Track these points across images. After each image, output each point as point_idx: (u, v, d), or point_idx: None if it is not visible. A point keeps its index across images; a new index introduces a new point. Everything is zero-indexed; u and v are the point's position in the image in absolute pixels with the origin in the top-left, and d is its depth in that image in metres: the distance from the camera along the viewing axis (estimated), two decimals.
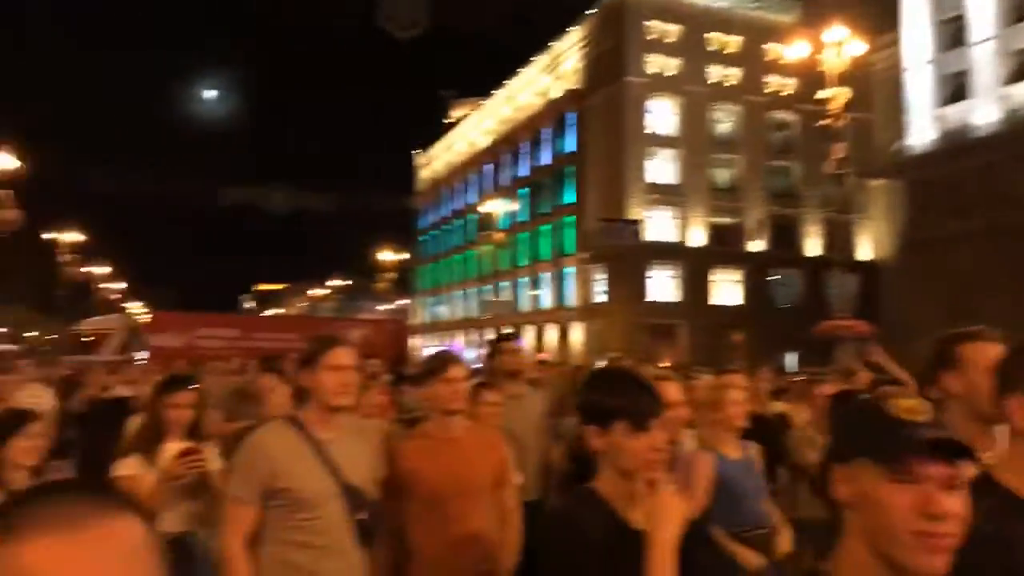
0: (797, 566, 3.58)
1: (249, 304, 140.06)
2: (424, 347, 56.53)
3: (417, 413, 4.55)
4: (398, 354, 24.52)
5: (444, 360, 3.39)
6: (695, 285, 43.45)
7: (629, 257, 41.51)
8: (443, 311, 65.84)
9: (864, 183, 41.42)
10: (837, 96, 19.86)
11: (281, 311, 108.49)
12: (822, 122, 21.04)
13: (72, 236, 46.31)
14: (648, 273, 43.05)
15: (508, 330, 10.69)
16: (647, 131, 43.83)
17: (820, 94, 20.41)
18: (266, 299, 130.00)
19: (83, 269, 52.68)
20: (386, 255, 56.22)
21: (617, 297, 42.54)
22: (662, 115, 44.68)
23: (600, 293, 44.26)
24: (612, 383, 2.20)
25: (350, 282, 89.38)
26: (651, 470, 2.03)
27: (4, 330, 42.13)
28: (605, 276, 43.88)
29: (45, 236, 46.21)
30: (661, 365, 29.42)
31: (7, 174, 29.13)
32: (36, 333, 56.96)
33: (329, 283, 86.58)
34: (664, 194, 43.86)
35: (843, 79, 20.05)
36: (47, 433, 5.56)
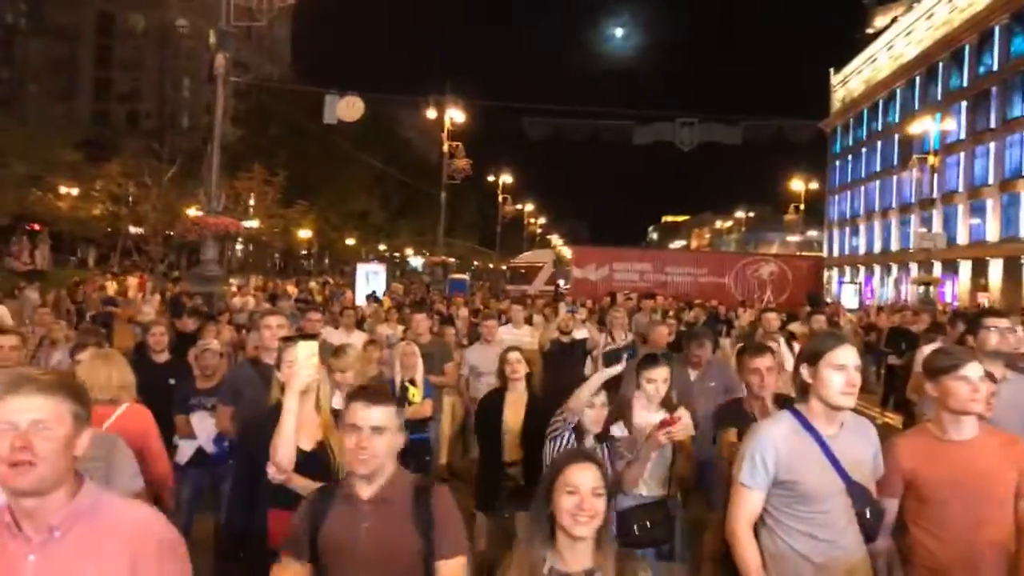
0: None
1: (654, 235, 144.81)
2: (838, 281, 53.00)
3: None
4: (813, 292, 23.44)
5: (959, 355, 3.18)
6: None
7: None
8: (858, 243, 60.67)
9: None
10: None
11: (683, 243, 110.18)
12: None
13: (506, 178, 52.32)
14: None
15: (986, 299, 9.45)
16: None
17: None
18: (670, 231, 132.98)
19: (515, 207, 59.35)
20: (795, 184, 53.47)
21: None
22: None
23: None
24: None
25: (752, 214, 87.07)
26: None
27: (454, 260, 49.31)
28: None
29: (487, 179, 52.92)
30: None
31: (458, 127, 33.81)
32: (477, 263, 66.08)
33: (735, 213, 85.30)
34: None
35: None
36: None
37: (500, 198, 52.81)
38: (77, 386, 1.91)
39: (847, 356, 2.92)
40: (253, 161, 41.61)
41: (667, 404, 4.16)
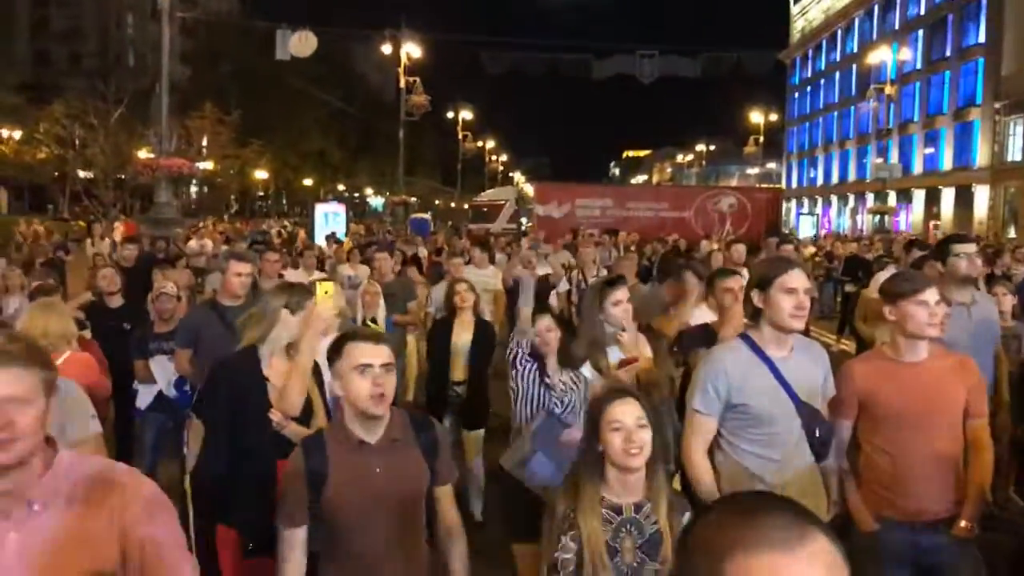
0: None
1: (615, 170, 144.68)
2: (797, 213, 53.69)
3: None
4: (771, 224, 23.71)
5: (918, 280, 3.23)
6: None
7: None
8: (817, 174, 61.31)
9: None
10: None
11: (645, 178, 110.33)
12: None
13: (466, 115, 51.52)
14: None
15: (941, 230, 9.62)
16: None
17: None
18: (632, 166, 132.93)
19: (476, 144, 58.61)
20: (755, 116, 53.54)
21: None
22: None
23: (1017, 150, 37.34)
24: None
25: (714, 147, 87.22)
26: None
27: (415, 200, 48.76)
28: None
29: (446, 116, 52.02)
30: None
31: (415, 63, 33.04)
32: (439, 202, 65.49)
33: (695, 147, 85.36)
34: None
35: None
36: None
37: (460, 135, 52.10)
38: (43, 351, 1.82)
39: (797, 280, 2.95)
40: (204, 101, 40.36)
41: (645, 328, 4.21)
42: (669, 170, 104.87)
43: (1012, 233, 33.65)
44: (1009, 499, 4.20)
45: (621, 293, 4.11)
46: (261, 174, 48.30)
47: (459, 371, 5.31)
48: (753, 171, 67.09)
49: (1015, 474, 3.97)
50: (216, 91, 43.62)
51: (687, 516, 2.41)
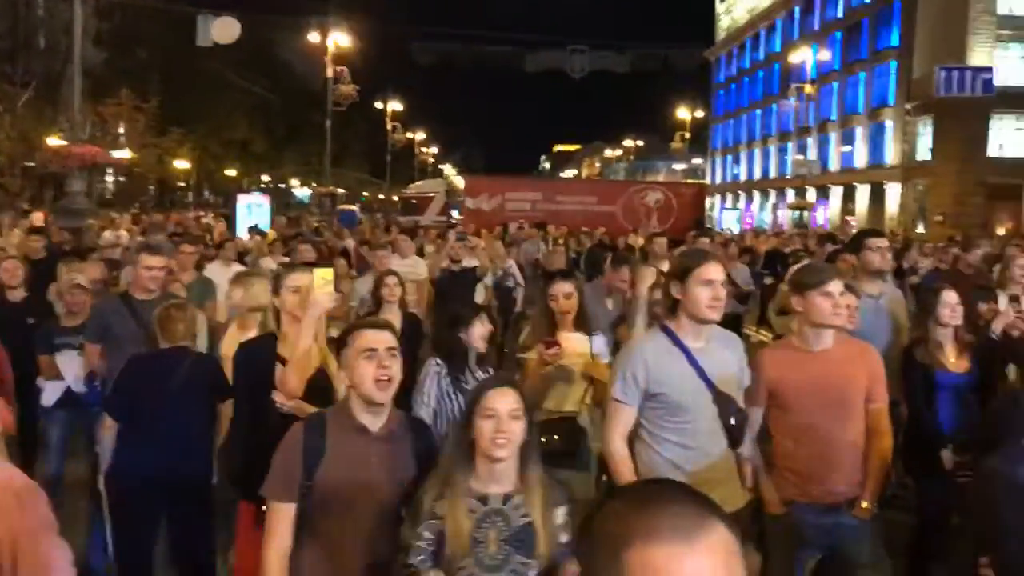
0: None
1: (546, 164, 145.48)
2: (720, 208, 55.03)
3: None
4: (696, 218, 24.24)
5: (824, 272, 3.36)
6: None
7: (967, 107, 35.75)
8: (740, 171, 62.98)
9: None
10: None
11: (576, 172, 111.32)
12: None
13: (394, 105, 50.93)
14: (992, 124, 36.90)
15: (855, 226, 9.96)
16: None
17: None
18: (562, 160, 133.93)
19: (405, 135, 58.02)
20: (681, 113, 54.58)
21: (947, 154, 37.23)
22: None
23: (925, 149, 39.11)
24: None
25: (642, 143, 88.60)
26: None
27: (343, 191, 48.02)
28: (932, 130, 38.46)
29: (375, 107, 51.30)
30: (999, 233, 25.90)
31: (344, 52, 32.49)
32: (369, 194, 64.61)
33: (623, 142, 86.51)
34: (1020, 28, 36.67)
35: None
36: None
37: (389, 126, 51.52)
38: None
39: (714, 271, 3.03)
40: (121, 86, 38.78)
41: (581, 325, 4.20)
42: (598, 165, 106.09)
43: (921, 228, 35.26)
44: (907, 481, 4.42)
45: (559, 287, 4.17)
46: (182, 164, 46.75)
47: None
48: (679, 167, 68.45)
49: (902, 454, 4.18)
50: (134, 77, 41.97)
51: (563, 510, 2.39)
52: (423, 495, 2.36)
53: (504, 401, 2.37)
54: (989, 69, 35.58)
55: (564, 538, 2.34)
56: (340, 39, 31.83)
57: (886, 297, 4.74)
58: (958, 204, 35.30)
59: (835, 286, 3.27)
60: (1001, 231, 29.87)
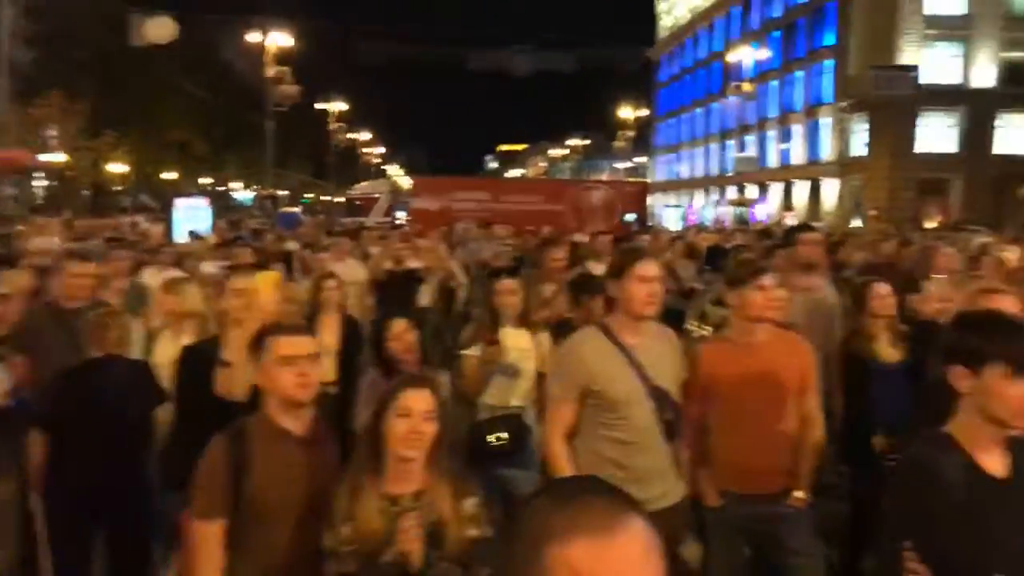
0: None
1: (492, 164, 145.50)
2: (664, 206, 55.77)
3: None
4: (639, 216, 24.51)
5: (755, 268, 3.43)
6: (976, 133, 38.01)
7: (898, 104, 36.98)
8: (682, 169, 63.93)
9: None
10: None
11: (521, 171, 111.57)
12: None
13: (338, 106, 50.29)
14: (919, 121, 38.24)
15: (794, 221, 10.20)
16: None
17: None
18: (509, 160, 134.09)
19: (349, 136, 57.33)
20: (625, 112, 55.07)
21: (880, 150, 38.48)
22: None
23: (861, 146, 40.30)
24: (986, 324, 2.13)
25: (588, 142, 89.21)
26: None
27: (286, 193, 47.24)
28: (867, 127, 39.68)
29: (317, 107, 50.54)
30: (927, 225, 26.83)
31: (286, 52, 31.97)
32: (312, 196, 63.70)
33: (568, 142, 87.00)
34: (946, 28, 38.04)
35: None
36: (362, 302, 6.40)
37: (333, 126, 50.87)
38: None
39: (649, 269, 3.08)
40: (53, 88, 37.47)
41: (525, 322, 4.21)
42: (544, 164, 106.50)
43: (859, 223, 36.32)
44: (842, 469, 4.54)
45: (503, 284, 4.18)
46: (118, 167, 45.39)
47: (327, 372, 5.08)
48: (623, 165, 69.09)
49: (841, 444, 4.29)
50: (67, 78, 40.61)
51: (472, 501, 2.39)
52: (335, 498, 2.33)
53: (419, 401, 2.34)
54: (915, 68, 36.86)
55: (474, 530, 2.34)
56: (281, 39, 31.30)
57: (819, 290, 4.86)
58: (891, 199, 36.44)
59: (767, 280, 3.35)
60: (931, 224, 30.93)
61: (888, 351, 4.18)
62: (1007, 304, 3.18)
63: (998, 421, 1.99)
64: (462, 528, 2.32)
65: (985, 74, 38.39)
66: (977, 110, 37.79)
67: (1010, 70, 38.16)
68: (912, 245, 8.67)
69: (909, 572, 2.02)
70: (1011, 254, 6.42)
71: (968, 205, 35.36)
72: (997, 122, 38.24)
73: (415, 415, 2.30)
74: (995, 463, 2.03)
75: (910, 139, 38.06)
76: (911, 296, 4.87)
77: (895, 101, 36.59)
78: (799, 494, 3.33)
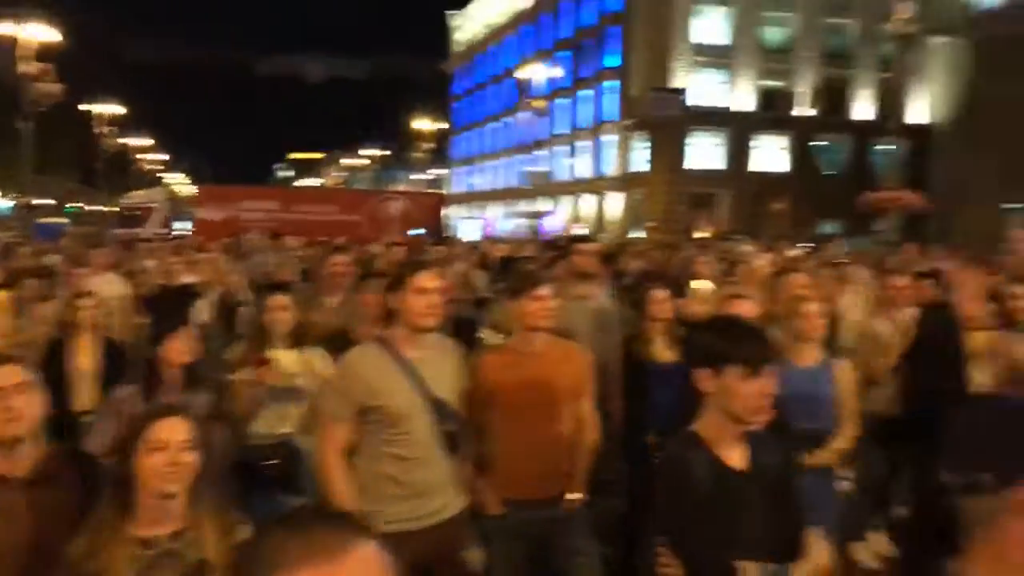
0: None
1: (285, 173, 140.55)
2: (458, 218, 56.64)
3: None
4: (434, 227, 24.71)
5: (533, 279, 3.49)
6: (739, 152, 42.39)
7: (671, 124, 40.36)
8: (478, 181, 65.36)
9: (923, 42, 39.18)
10: None
11: (318, 180, 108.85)
12: None
13: (111, 108, 46.22)
14: (690, 140, 41.97)
15: (582, 230, 10.61)
16: None
17: None
18: (303, 168, 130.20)
19: (121, 141, 52.87)
20: (422, 123, 55.24)
21: (659, 166, 41.74)
22: None
23: (641, 162, 43.41)
24: (726, 328, 2.31)
25: (387, 152, 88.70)
26: (759, 414, 2.15)
27: (51, 202, 42.86)
28: (648, 144, 42.86)
29: (83, 108, 46.14)
30: (698, 235, 29.34)
31: (48, 47, 28.89)
32: (80, 205, 58.01)
33: (365, 152, 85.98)
34: (712, 56, 42.04)
35: None
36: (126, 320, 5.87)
37: (103, 130, 46.67)
38: None
39: (427, 280, 3.05)
40: None
41: (298, 341, 4.01)
42: (342, 174, 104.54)
43: (643, 233, 39.07)
44: (620, 467, 4.75)
45: (273, 300, 3.99)
46: None
47: (86, 399, 4.59)
48: (421, 177, 69.43)
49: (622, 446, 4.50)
50: None
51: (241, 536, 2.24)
52: (67, 555, 2.05)
53: (174, 431, 2.14)
54: (683, 91, 40.61)
55: None
56: (42, 33, 28.24)
57: (595, 299, 5.09)
58: (667, 212, 39.50)
59: (543, 290, 3.43)
60: (701, 234, 33.86)
61: (665, 352, 4.44)
62: (747, 309, 3.46)
63: (737, 418, 2.15)
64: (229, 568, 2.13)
65: (745, 99, 42.82)
66: (739, 131, 42.08)
67: (766, 96, 42.92)
68: (681, 253, 9.37)
69: (661, 567, 2.11)
70: (762, 261, 7.11)
71: (734, 217, 39.13)
72: (752, 143, 42.82)
73: (172, 447, 2.11)
74: (736, 457, 2.19)
75: (682, 156, 41.64)
76: (680, 300, 5.23)
77: (668, 121, 39.92)
78: (573, 496, 3.43)
